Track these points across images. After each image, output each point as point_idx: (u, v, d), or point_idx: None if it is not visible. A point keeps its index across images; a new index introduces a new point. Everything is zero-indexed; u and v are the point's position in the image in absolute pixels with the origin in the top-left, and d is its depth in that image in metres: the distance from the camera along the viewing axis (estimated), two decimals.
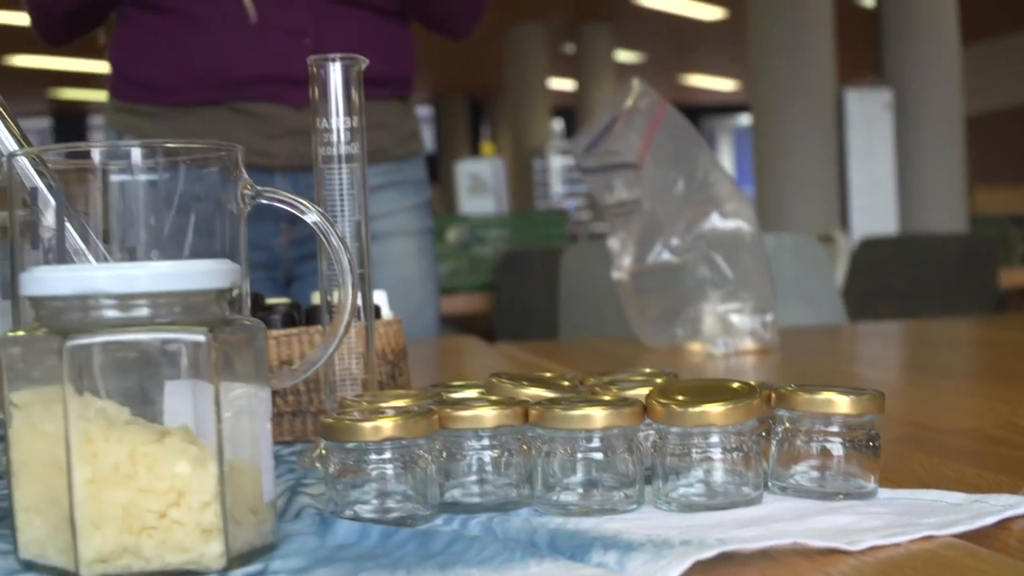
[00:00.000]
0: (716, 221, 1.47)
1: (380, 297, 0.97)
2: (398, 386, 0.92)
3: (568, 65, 14.08)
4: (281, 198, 0.65)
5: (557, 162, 12.68)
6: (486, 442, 0.62)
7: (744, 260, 1.48)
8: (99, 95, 17.33)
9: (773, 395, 0.63)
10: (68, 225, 0.58)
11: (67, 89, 17.10)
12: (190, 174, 0.60)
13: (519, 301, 4.07)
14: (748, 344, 1.47)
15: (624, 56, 15.17)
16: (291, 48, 1.61)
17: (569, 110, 15.62)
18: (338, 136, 0.77)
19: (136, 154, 0.58)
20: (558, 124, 17.73)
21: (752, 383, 0.62)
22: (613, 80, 13.70)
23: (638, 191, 1.43)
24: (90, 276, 0.51)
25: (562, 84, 15.32)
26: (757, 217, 1.50)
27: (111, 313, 0.51)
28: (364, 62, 0.78)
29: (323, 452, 0.65)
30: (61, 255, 0.58)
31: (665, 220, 1.43)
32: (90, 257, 0.58)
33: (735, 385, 0.62)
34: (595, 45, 13.52)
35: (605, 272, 1.56)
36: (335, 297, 0.74)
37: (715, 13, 12.97)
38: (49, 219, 0.58)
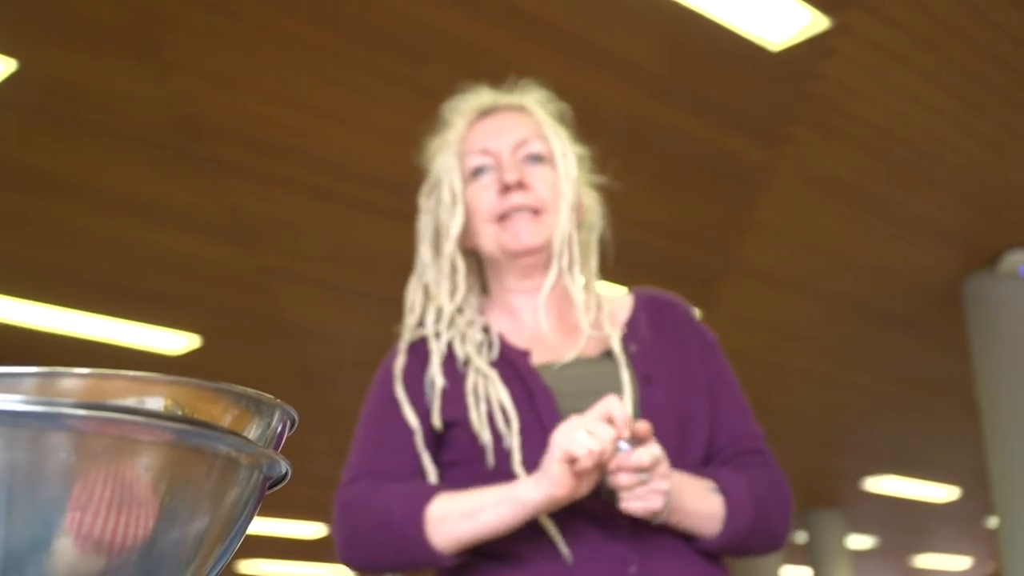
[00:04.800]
0: None
1: None
2: None
3: (801, 553, 13.83)
4: None
5: None
6: None
7: None
8: None
9: None
10: None
11: None
12: None
13: None
14: None
15: (856, 541, 14.85)
16: None
17: None
18: None
19: None
20: None
21: None
22: (847, 566, 13.38)
23: None
24: None
25: (796, 573, 14.97)
26: None
27: None
28: None
29: None
30: None
31: None
32: None
33: None
34: (827, 532, 13.32)
35: None
36: None
37: (951, 494, 12.73)
38: None
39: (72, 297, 6.74)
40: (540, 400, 1.69)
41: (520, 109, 1.89)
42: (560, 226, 1.80)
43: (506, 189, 1.78)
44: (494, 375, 1.71)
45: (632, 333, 1.82)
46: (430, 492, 1.66)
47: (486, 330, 1.81)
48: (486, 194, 1.81)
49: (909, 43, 4.79)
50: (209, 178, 5.52)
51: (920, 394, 9.36)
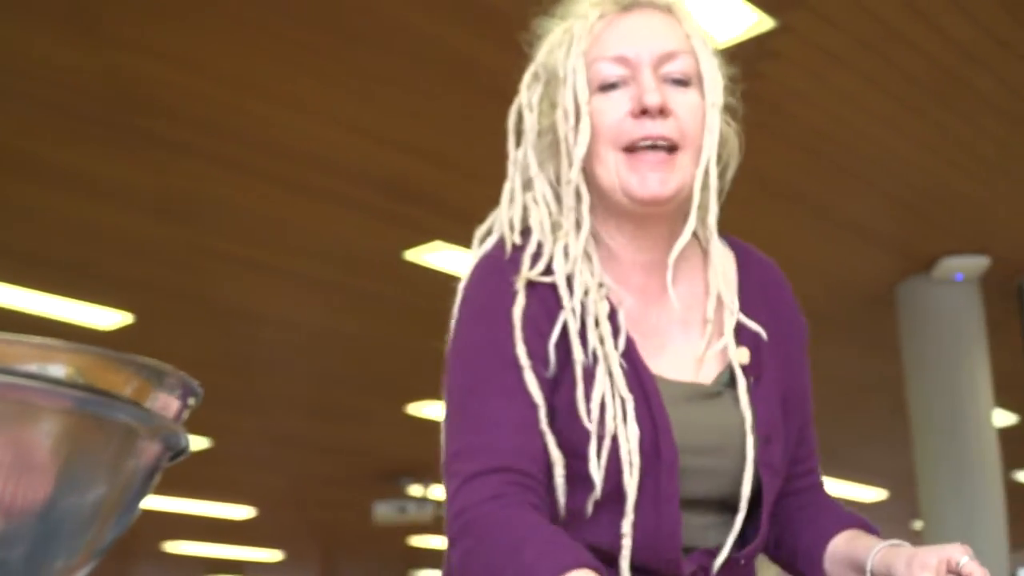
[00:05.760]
0: None
1: None
2: None
3: None
4: None
5: None
6: None
7: None
8: None
9: None
10: None
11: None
12: None
13: None
14: None
15: None
16: None
17: None
18: None
19: None
20: None
21: None
22: (772, 566, 13.52)
23: None
24: None
25: None
26: None
27: None
28: None
29: None
30: None
31: None
32: None
33: None
34: None
35: None
36: None
37: (878, 495, 12.91)
38: None
39: (2, 269, 6.66)
40: (665, 458, 1.41)
41: (667, 10, 1.52)
42: (700, 168, 1.48)
43: (643, 112, 1.44)
44: (631, 409, 1.40)
45: (753, 346, 1.53)
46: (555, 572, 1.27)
47: (609, 303, 1.47)
48: (615, 112, 1.45)
49: (852, 46, 4.83)
50: (146, 155, 5.46)
51: (851, 396, 9.45)
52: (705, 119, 1.48)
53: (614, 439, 1.39)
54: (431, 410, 9.38)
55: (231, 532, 13.70)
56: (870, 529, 1.52)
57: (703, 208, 1.53)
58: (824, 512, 1.58)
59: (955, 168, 5.98)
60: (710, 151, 1.48)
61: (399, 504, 11.43)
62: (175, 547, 14.79)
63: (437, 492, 11.40)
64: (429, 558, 15.94)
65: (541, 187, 1.52)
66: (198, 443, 9.94)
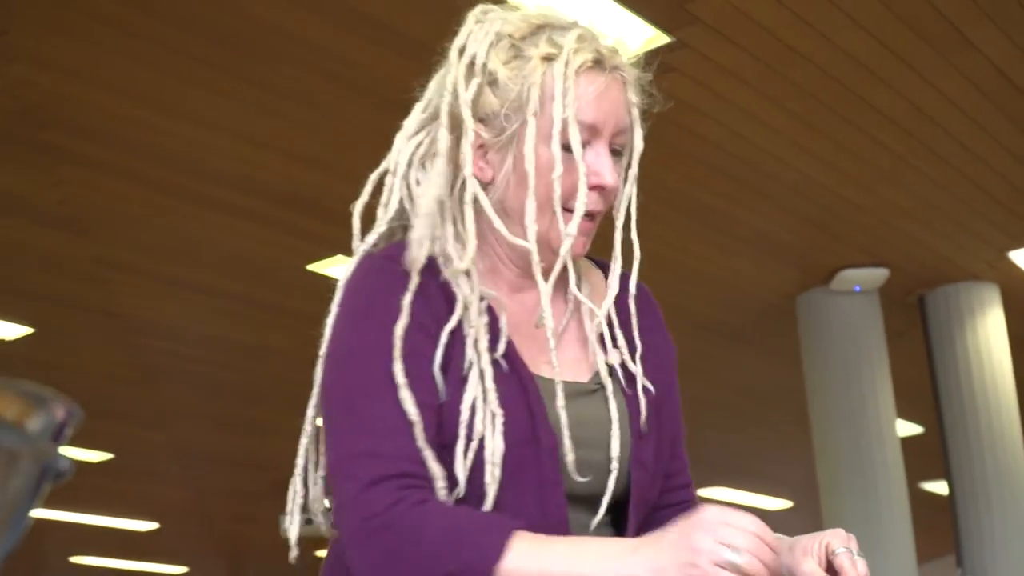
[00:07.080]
0: None
1: None
2: None
3: None
4: None
5: None
6: None
7: None
8: None
9: None
10: None
11: None
12: None
13: None
14: None
15: None
16: None
17: None
18: None
19: None
20: None
21: None
22: None
23: None
24: None
25: None
26: None
27: None
28: None
29: None
30: None
31: None
32: None
33: None
34: None
35: None
36: None
37: (783, 505, 13.04)
38: None
39: None
40: (544, 443, 1.42)
41: (623, 81, 1.51)
42: (620, 220, 1.55)
43: (597, 189, 1.49)
44: (499, 420, 1.39)
45: (626, 350, 1.58)
46: (501, 541, 1.29)
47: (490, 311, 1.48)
48: (571, 177, 1.45)
49: (748, 61, 4.89)
50: (46, 167, 5.40)
51: (753, 406, 9.54)
52: (624, 185, 1.56)
53: (481, 441, 1.39)
54: None
55: (136, 546, 13.50)
56: None
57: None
58: None
59: (853, 181, 6.08)
60: (629, 214, 1.56)
61: (305, 516, 11.35)
62: (83, 560, 14.55)
63: None
64: None
65: (435, 184, 1.49)
66: (99, 457, 9.80)
